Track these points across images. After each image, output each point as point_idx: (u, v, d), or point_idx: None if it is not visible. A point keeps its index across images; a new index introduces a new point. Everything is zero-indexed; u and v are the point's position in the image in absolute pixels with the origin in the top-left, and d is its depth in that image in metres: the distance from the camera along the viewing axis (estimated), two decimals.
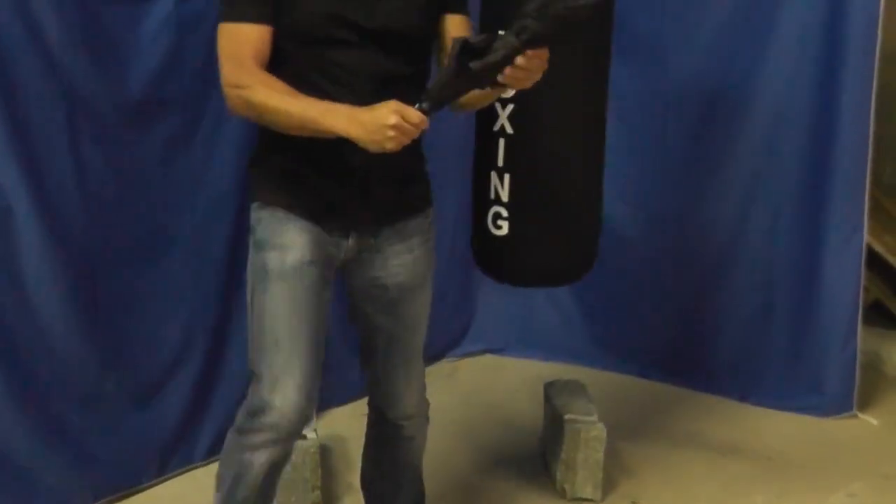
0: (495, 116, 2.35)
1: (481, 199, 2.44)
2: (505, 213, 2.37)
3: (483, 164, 2.43)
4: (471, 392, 3.43)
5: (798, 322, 3.29)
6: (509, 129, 2.34)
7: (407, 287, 2.08)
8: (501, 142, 2.34)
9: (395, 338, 2.13)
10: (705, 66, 3.24)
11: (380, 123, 1.73)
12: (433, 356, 3.51)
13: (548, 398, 2.92)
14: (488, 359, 3.70)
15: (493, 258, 2.50)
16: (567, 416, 2.74)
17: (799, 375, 3.31)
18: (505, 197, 2.36)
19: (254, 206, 2.02)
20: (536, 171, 2.39)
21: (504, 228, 2.38)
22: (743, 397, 3.37)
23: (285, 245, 1.95)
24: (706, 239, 3.39)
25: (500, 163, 2.34)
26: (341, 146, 1.81)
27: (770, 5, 3.12)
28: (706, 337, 3.45)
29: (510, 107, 2.33)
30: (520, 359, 3.67)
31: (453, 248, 3.27)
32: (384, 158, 1.79)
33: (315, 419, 2.67)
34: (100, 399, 2.66)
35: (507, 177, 2.34)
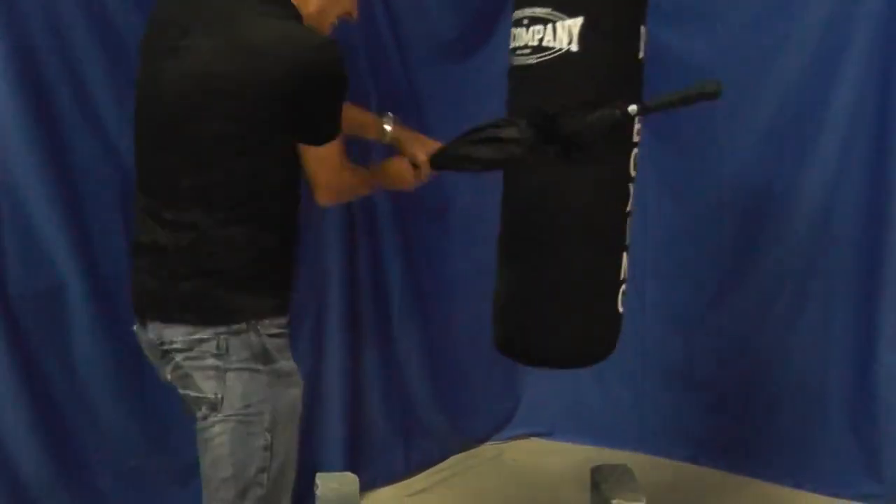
0: (626, 196, 2.27)
1: (609, 282, 2.32)
2: (624, 289, 2.34)
3: (611, 246, 2.32)
4: (516, 476, 3.38)
5: (855, 406, 3.21)
6: (629, 208, 2.30)
7: None
8: (629, 221, 2.29)
9: None
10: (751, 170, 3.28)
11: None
12: (478, 439, 3.49)
13: (594, 483, 2.86)
14: (534, 442, 3.65)
15: (614, 338, 2.40)
16: (614, 502, 2.69)
17: (856, 462, 3.21)
18: (623, 274, 2.32)
19: (250, 325, 1.93)
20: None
21: (622, 306, 2.35)
22: (797, 484, 3.27)
23: (298, 377, 1.98)
24: (758, 322, 3.34)
25: (628, 241, 2.30)
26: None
27: (817, 107, 3.14)
28: (759, 421, 3.37)
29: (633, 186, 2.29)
30: (566, 443, 3.61)
31: None
32: None
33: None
34: (143, 476, 2.68)
35: (624, 255, 2.31)
